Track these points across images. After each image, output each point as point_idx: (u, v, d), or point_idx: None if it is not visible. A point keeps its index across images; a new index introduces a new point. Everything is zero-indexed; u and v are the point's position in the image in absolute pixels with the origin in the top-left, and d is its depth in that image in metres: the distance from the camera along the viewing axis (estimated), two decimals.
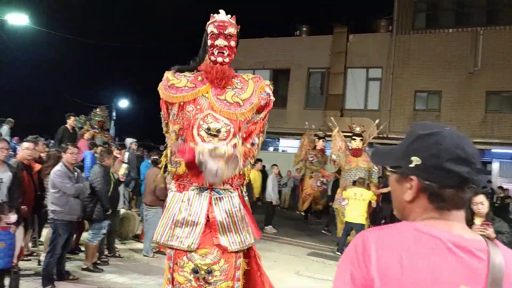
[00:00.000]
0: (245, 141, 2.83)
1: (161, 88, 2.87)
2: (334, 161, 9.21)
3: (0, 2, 13.83)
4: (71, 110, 9.43)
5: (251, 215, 3.00)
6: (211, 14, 2.92)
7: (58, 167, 4.69)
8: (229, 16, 2.91)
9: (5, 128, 11.90)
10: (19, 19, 13.11)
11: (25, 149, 5.29)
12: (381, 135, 14.67)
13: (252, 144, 2.85)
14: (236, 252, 2.76)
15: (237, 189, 2.94)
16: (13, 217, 4.01)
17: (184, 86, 2.83)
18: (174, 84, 2.84)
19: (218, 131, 2.73)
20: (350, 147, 8.87)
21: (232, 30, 2.85)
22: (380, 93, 15.98)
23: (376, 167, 8.60)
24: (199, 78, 2.88)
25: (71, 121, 8.87)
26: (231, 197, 2.84)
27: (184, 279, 2.70)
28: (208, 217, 2.73)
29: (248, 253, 2.94)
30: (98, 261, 5.57)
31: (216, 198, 2.78)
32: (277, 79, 15.84)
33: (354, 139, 8.76)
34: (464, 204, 1.02)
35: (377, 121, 10.13)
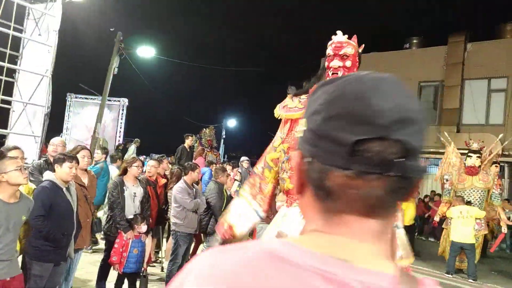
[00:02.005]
0: None
1: (276, 108, 3.06)
2: (447, 180, 8.40)
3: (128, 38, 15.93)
4: (188, 131, 10.42)
5: None
6: (332, 36, 2.96)
7: (180, 184, 5.27)
8: (346, 36, 2.92)
9: (133, 148, 13.59)
10: (147, 52, 14.98)
11: (150, 166, 6.05)
12: (506, 153, 13.19)
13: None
14: None
15: None
16: (144, 227, 4.64)
17: (295, 106, 2.94)
18: (287, 105, 3.00)
19: None
20: (465, 165, 8.14)
21: (348, 50, 2.85)
22: (506, 105, 14.38)
23: (496, 189, 7.71)
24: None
25: (189, 141, 9.79)
26: None
27: None
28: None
29: None
30: None
31: None
32: None
33: (470, 156, 7.99)
34: (373, 207, 0.57)
35: (500, 135, 9.02)
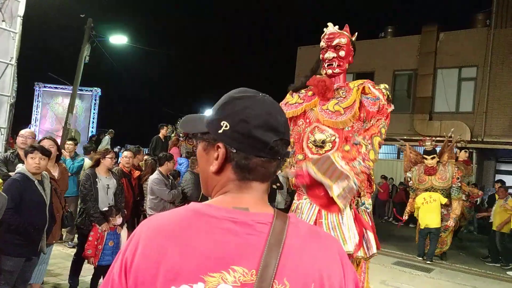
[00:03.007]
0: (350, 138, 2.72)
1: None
2: (410, 179, 8.38)
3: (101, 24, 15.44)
4: (165, 121, 10.24)
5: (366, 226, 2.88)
6: (324, 29, 3.00)
7: (156, 175, 5.17)
8: (337, 27, 2.95)
9: (107, 138, 13.26)
10: (119, 39, 14.54)
11: (124, 158, 5.91)
12: (475, 139, 13.63)
13: (354, 145, 2.61)
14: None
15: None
16: (119, 220, 4.53)
17: (295, 102, 3.00)
18: (288, 101, 3.04)
19: (323, 142, 2.79)
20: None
21: (342, 40, 2.89)
22: (475, 94, 14.76)
23: (456, 183, 7.89)
24: (310, 93, 2.99)
25: (163, 131, 9.62)
26: None
27: None
28: (316, 223, 2.77)
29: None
30: None
31: None
32: None
33: (425, 157, 8.04)
34: (269, 177, 0.93)
35: (452, 130, 9.18)
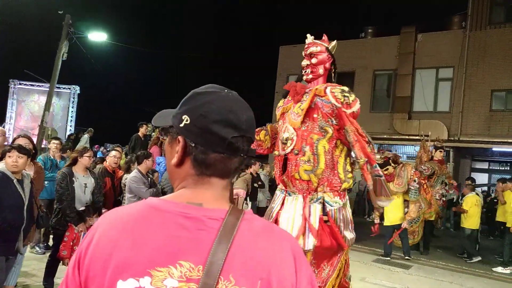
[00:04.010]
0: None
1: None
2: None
3: (81, 21, 15.14)
4: (144, 119, 10.09)
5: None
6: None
7: (134, 173, 5.08)
8: (313, 37, 3.28)
9: (86, 137, 13.02)
10: (99, 37, 14.28)
11: (112, 157, 5.78)
12: (452, 138, 13.93)
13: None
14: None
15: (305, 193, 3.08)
16: (96, 219, 4.44)
17: (280, 106, 3.36)
18: (279, 105, 3.41)
19: (286, 139, 3.10)
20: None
21: (314, 48, 3.20)
22: (452, 94, 15.09)
23: (412, 185, 8.08)
24: (289, 97, 3.28)
25: (143, 129, 9.48)
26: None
27: None
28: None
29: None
30: None
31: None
32: (341, 83, 15.33)
33: (387, 168, 8.24)
34: (229, 174, 0.93)
35: (429, 133, 9.43)
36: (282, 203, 3.11)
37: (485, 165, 17.06)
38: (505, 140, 13.78)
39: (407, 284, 6.26)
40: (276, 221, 3.07)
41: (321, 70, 3.20)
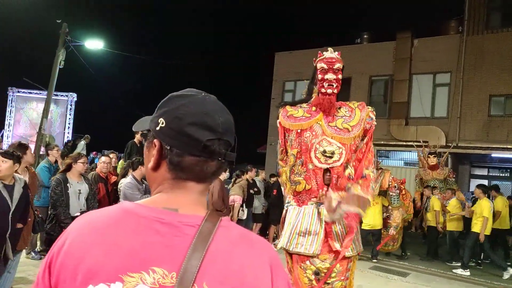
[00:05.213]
0: (357, 171, 3.20)
1: (280, 118, 3.38)
2: None
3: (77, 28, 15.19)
4: None
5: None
6: (319, 52, 3.39)
7: (129, 179, 5.07)
8: (336, 53, 3.36)
9: (82, 143, 13.02)
10: (95, 44, 14.34)
11: (102, 163, 5.79)
12: (450, 144, 13.90)
13: (363, 177, 3.16)
14: (349, 257, 3.20)
15: None
16: None
17: (302, 116, 3.32)
18: (292, 114, 3.34)
19: (333, 153, 3.16)
20: None
21: (339, 65, 3.29)
22: (449, 99, 15.07)
23: (391, 190, 8.17)
24: (313, 108, 3.33)
25: (139, 136, 9.46)
26: None
27: (307, 280, 3.16)
28: (325, 227, 3.14)
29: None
30: None
31: None
32: None
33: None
34: (205, 178, 0.91)
35: (427, 142, 9.49)
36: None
37: (484, 172, 16.94)
38: (504, 146, 13.66)
39: None
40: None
41: (339, 87, 3.37)
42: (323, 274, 3.14)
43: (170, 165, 0.89)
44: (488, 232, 7.69)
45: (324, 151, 3.16)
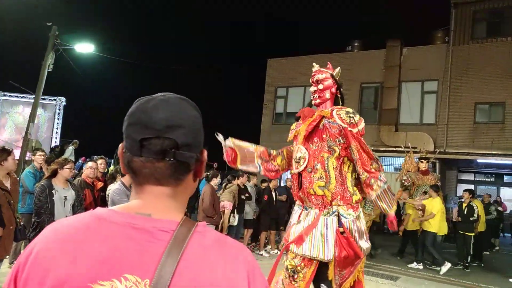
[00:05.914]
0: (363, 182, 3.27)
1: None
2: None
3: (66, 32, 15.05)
4: None
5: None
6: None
7: (117, 185, 4.98)
8: (318, 66, 3.61)
9: (70, 149, 12.84)
10: (86, 48, 14.19)
11: (88, 168, 5.68)
12: (438, 150, 14.05)
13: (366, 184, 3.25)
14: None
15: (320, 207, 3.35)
16: None
17: (292, 129, 3.63)
18: (292, 128, 3.66)
19: (299, 158, 3.37)
20: None
21: (319, 75, 3.50)
22: (437, 106, 15.30)
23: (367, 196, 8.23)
24: (300, 121, 3.56)
25: None
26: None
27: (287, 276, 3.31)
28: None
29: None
30: None
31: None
32: None
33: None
34: (162, 180, 0.86)
35: (410, 144, 9.57)
36: (298, 217, 3.36)
37: (470, 177, 17.26)
38: (489, 152, 13.96)
39: None
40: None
41: (327, 95, 3.49)
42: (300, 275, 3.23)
43: (128, 169, 0.88)
44: (440, 230, 8.44)
45: (295, 157, 3.42)
